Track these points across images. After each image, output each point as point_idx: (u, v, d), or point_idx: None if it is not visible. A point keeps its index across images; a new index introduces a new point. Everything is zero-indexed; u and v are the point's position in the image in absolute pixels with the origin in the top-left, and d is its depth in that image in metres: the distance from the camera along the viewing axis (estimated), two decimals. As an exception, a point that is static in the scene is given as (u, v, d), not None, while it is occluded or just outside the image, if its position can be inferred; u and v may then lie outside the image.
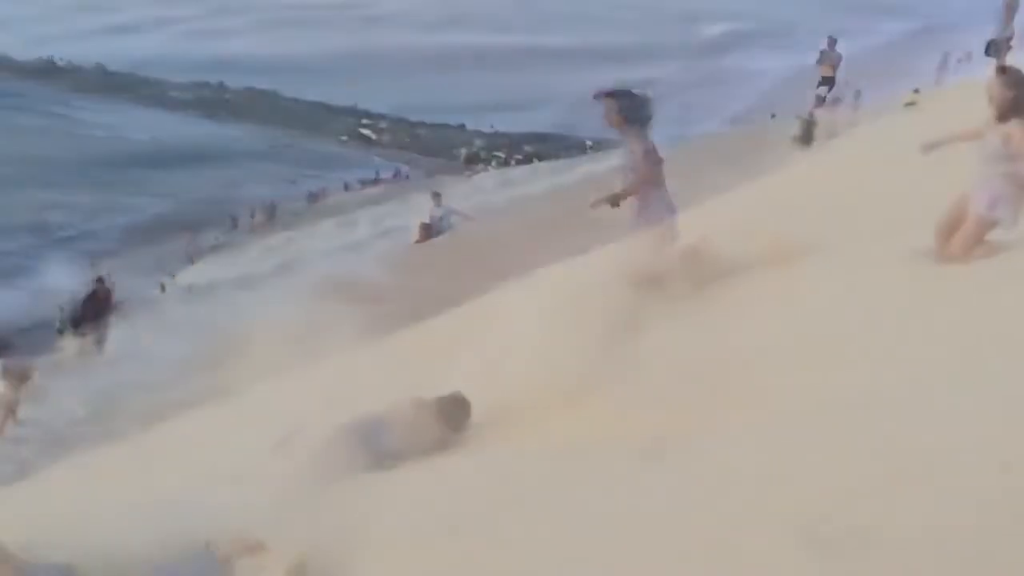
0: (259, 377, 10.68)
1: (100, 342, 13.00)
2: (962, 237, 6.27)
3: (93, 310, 12.98)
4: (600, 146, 23.20)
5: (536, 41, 32.38)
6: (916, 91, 20.82)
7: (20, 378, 11.09)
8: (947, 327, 5.75)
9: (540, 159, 21.85)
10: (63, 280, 15.17)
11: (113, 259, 16.33)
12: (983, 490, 3.50)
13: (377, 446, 6.16)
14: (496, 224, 18.18)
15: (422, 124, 47.11)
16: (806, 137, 21.62)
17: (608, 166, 21.68)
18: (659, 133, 23.86)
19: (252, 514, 5.50)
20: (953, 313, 5.97)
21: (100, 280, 13.33)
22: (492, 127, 38.19)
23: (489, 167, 20.54)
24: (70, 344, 13.05)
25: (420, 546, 4.79)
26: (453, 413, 6.57)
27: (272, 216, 18.16)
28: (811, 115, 22.05)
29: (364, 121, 48.94)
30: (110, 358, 12.98)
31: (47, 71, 24.51)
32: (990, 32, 18.10)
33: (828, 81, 24.37)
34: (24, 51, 25.96)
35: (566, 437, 6.30)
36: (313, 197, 18.86)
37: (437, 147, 40.38)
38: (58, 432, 11.09)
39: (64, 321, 13.02)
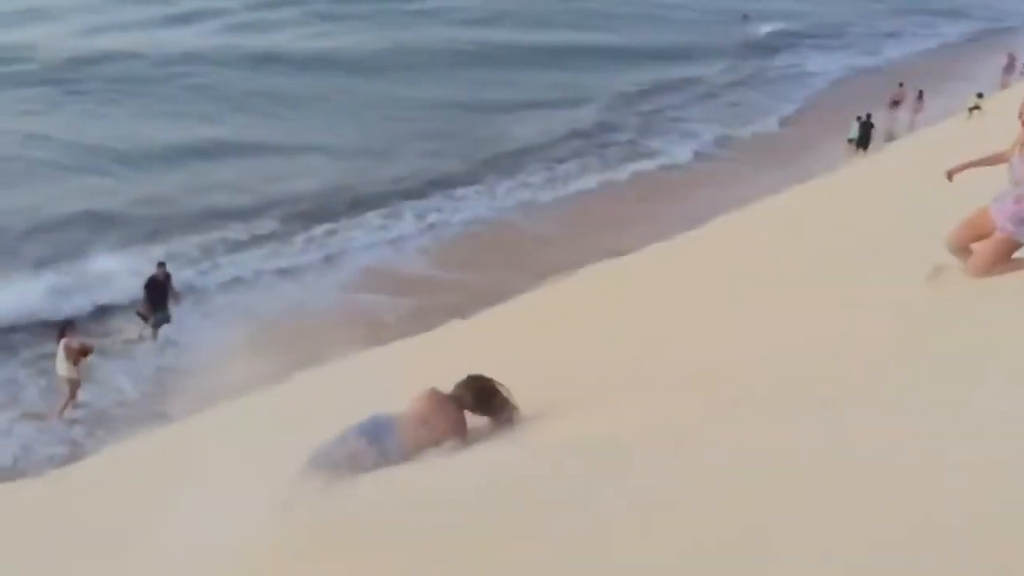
0: (305, 365, 10.96)
1: (158, 326, 13.28)
2: (985, 255, 6.02)
3: (153, 295, 13.32)
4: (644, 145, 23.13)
5: (577, 39, 32.25)
6: (980, 95, 20.43)
7: (81, 354, 11.43)
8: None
9: (585, 156, 21.81)
10: (113, 266, 15.59)
11: (159, 246, 16.65)
12: None
13: (384, 444, 5.83)
14: (543, 221, 18.27)
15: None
16: (863, 140, 21.39)
17: (660, 164, 21.68)
18: (705, 133, 23.97)
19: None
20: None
21: (161, 265, 13.64)
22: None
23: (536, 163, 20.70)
24: (130, 329, 13.40)
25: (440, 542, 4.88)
26: (476, 397, 6.09)
27: (317, 207, 18.38)
28: (868, 117, 21.80)
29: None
30: (158, 344, 13.31)
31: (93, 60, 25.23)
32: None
33: None
34: (64, 43, 26.51)
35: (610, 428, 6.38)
36: (357, 188, 19.11)
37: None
38: (107, 414, 11.42)
39: (143, 305, 13.24)
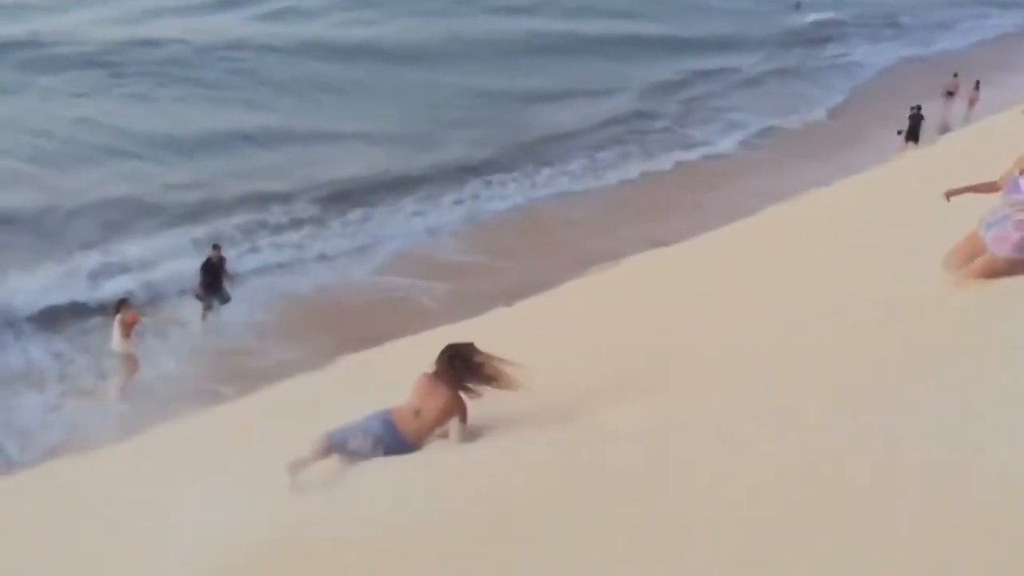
0: (348, 348, 11.17)
1: (209, 308, 13.59)
2: (980, 271, 6.16)
3: (208, 278, 13.60)
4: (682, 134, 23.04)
5: (623, 28, 32.06)
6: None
7: (131, 324, 11.76)
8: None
9: (627, 145, 21.80)
10: (156, 248, 15.98)
11: (201, 228, 17.02)
12: None
13: (388, 442, 6.05)
14: (583, 210, 18.31)
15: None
16: (912, 132, 21.09)
17: (703, 153, 21.59)
18: (751, 123, 23.73)
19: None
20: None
21: (216, 248, 13.95)
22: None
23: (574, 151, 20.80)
24: (180, 310, 13.76)
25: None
26: (456, 366, 6.12)
27: (357, 192, 18.64)
28: (918, 109, 21.48)
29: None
30: (208, 325, 13.62)
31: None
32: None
33: None
34: (110, 28, 26.96)
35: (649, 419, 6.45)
36: (397, 174, 19.34)
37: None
38: (155, 393, 11.72)
39: (199, 287, 13.62)
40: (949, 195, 6.52)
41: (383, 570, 4.83)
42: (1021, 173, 6.08)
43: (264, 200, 18.32)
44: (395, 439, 6.15)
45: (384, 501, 5.96)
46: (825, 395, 5.94)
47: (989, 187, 6.27)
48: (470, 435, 6.40)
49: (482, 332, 10.48)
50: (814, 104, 26.06)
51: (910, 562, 3.47)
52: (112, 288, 14.54)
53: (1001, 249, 6.00)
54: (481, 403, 7.36)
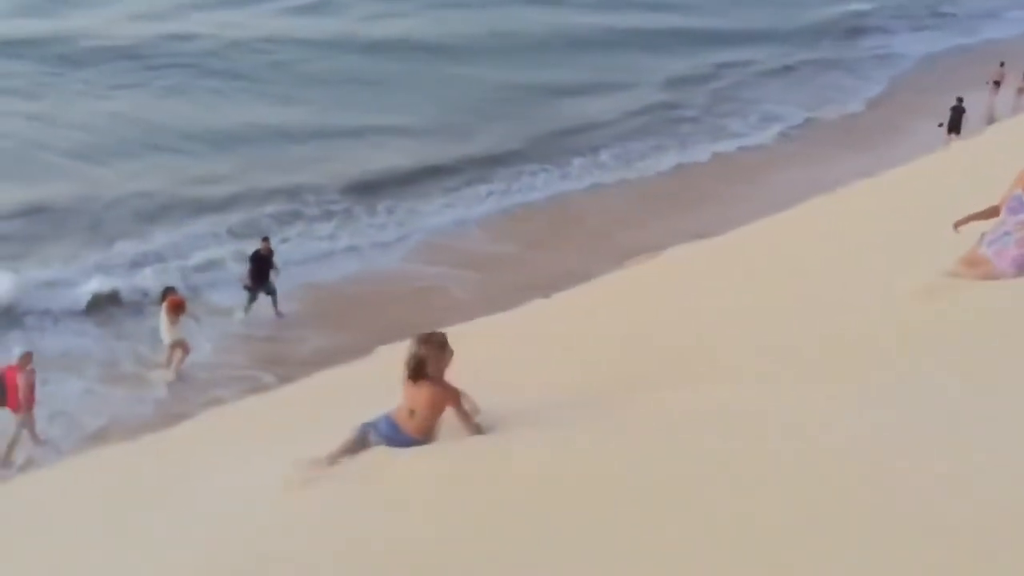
0: (384, 339, 11.30)
1: (253, 300, 13.90)
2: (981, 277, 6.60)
3: (257, 269, 13.85)
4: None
5: (661, 20, 31.88)
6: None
7: (178, 310, 12.02)
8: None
9: (663, 137, 21.78)
10: (192, 239, 16.29)
11: (236, 218, 17.30)
12: None
13: (398, 443, 6.26)
14: (618, 201, 18.32)
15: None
16: (953, 124, 20.84)
17: (740, 145, 21.50)
18: (788, 114, 23.49)
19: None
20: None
21: (265, 240, 14.23)
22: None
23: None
24: (222, 300, 14.05)
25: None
26: (424, 356, 6.18)
27: (390, 184, 18.82)
28: (960, 101, 21.22)
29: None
30: (249, 315, 13.86)
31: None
32: None
33: None
34: (147, 24, 27.34)
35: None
36: (431, 167, 19.51)
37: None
38: (198, 380, 11.98)
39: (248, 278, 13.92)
40: (957, 226, 6.96)
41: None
42: None
43: (298, 192, 18.58)
44: (402, 438, 6.37)
45: (432, 491, 6.10)
46: (872, 386, 5.98)
47: (992, 211, 6.67)
48: (476, 427, 6.58)
49: (521, 323, 10.60)
50: (853, 95, 25.81)
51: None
52: (149, 277, 14.88)
53: (1001, 263, 6.44)
54: (519, 395, 7.49)
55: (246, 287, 13.89)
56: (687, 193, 18.33)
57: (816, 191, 15.64)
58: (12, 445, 10.39)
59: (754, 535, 4.36)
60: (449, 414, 6.58)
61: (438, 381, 6.37)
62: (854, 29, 33.91)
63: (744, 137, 22.30)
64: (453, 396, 6.46)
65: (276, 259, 14.16)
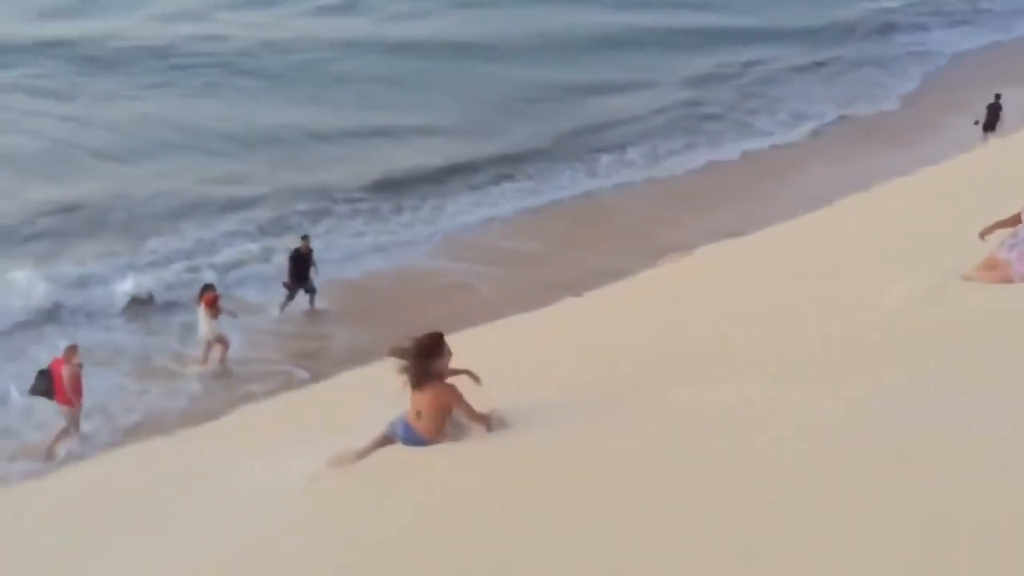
0: (404, 337, 11.37)
1: (292, 298, 14.07)
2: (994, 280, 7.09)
3: (297, 268, 14.00)
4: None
5: (694, 20, 31.64)
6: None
7: (214, 306, 12.21)
8: None
9: (693, 135, 21.71)
10: (223, 237, 16.48)
11: (264, 218, 17.48)
12: None
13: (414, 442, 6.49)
14: (646, 198, 18.28)
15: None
16: (989, 122, 20.55)
17: (771, 143, 21.38)
18: (820, 111, 23.23)
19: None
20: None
21: (305, 238, 14.40)
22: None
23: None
24: (254, 296, 14.22)
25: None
26: (420, 356, 6.33)
27: (420, 182, 18.92)
28: (997, 98, 20.92)
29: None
30: (282, 313, 14.01)
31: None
32: None
33: None
34: (178, 26, 27.66)
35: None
36: (456, 164, 19.62)
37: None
38: (234, 376, 12.14)
39: (288, 277, 14.07)
40: (983, 235, 7.44)
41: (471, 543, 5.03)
42: None
43: (326, 190, 18.73)
44: (415, 438, 6.61)
45: (457, 482, 6.19)
46: (888, 386, 5.99)
47: (1015, 219, 7.15)
48: (484, 420, 6.77)
49: (554, 322, 10.64)
50: (886, 92, 25.53)
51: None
52: (181, 274, 15.10)
53: (1020, 266, 6.89)
54: (543, 393, 7.58)
55: (285, 285, 14.06)
56: (717, 191, 18.24)
57: (849, 189, 15.53)
58: (58, 438, 10.59)
59: (761, 534, 4.39)
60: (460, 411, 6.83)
61: (438, 383, 6.61)
62: (887, 25, 33.55)
63: (775, 135, 22.14)
64: (454, 396, 6.68)
65: (315, 257, 14.29)
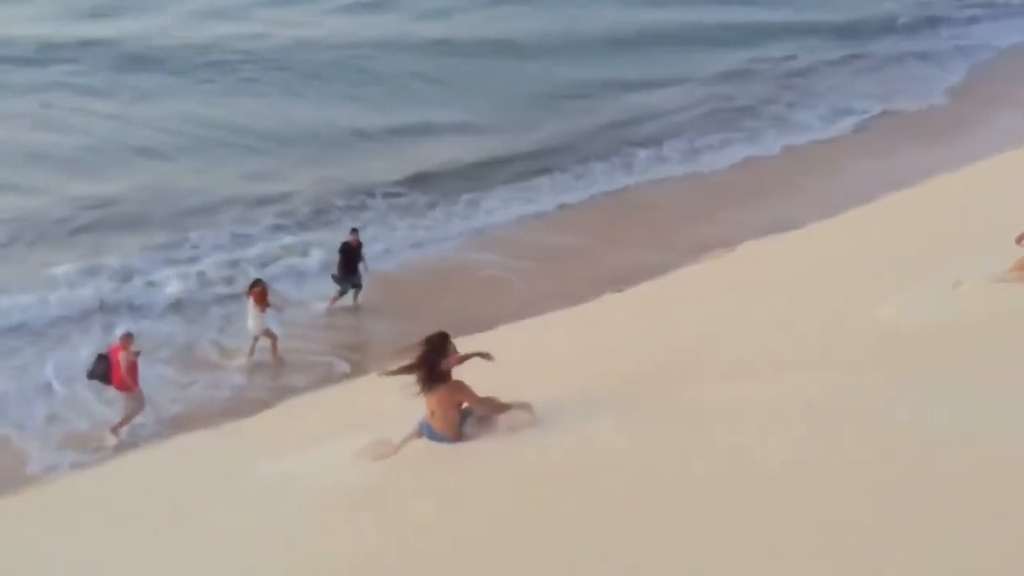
0: (456, 331, 11.44)
1: (344, 292, 14.19)
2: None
3: (347, 261, 14.14)
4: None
5: (735, 16, 31.20)
6: None
7: (263, 300, 12.39)
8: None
9: (733, 130, 21.52)
10: (264, 233, 16.71)
11: (303, 213, 17.68)
12: None
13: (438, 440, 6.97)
14: (685, 194, 18.15)
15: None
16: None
17: (812, 138, 21.14)
18: (865, 107, 22.80)
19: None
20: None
21: (354, 232, 14.55)
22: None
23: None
24: (295, 290, 14.42)
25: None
26: (430, 356, 6.86)
27: (457, 179, 19.01)
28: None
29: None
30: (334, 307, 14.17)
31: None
32: None
33: None
34: (224, 26, 27.98)
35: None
36: (493, 160, 19.68)
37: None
38: (280, 370, 12.32)
39: (338, 269, 14.21)
40: (1019, 241, 7.72)
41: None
42: None
43: (364, 186, 18.87)
44: (436, 435, 7.06)
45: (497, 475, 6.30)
46: (920, 379, 5.97)
47: None
48: (500, 408, 7.04)
49: (594, 317, 10.65)
50: (931, 86, 25.07)
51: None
52: (222, 267, 15.35)
53: None
54: (575, 390, 7.66)
55: (334, 278, 14.22)
56: (757, 187, 18.06)
57: (893, 185, 15.33)
58: (123, 421, 10.90)
59: (772, 529, 4.40)
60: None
61: (446, 382, 6.90)
62: (931, 18, 32.97)
63: (816, 130, 21.84)
64: (462, 392, 6.97)
65: (365, 252, 14.42)
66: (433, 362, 7.05)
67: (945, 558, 3.72)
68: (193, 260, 15.71)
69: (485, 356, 7.30)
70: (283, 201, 18.14)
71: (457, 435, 7.06)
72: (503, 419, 7.10)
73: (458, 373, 7.21)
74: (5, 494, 9.40)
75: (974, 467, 4.58)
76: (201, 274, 15.17)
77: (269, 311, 12.54)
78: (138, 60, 26.26)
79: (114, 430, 10.83)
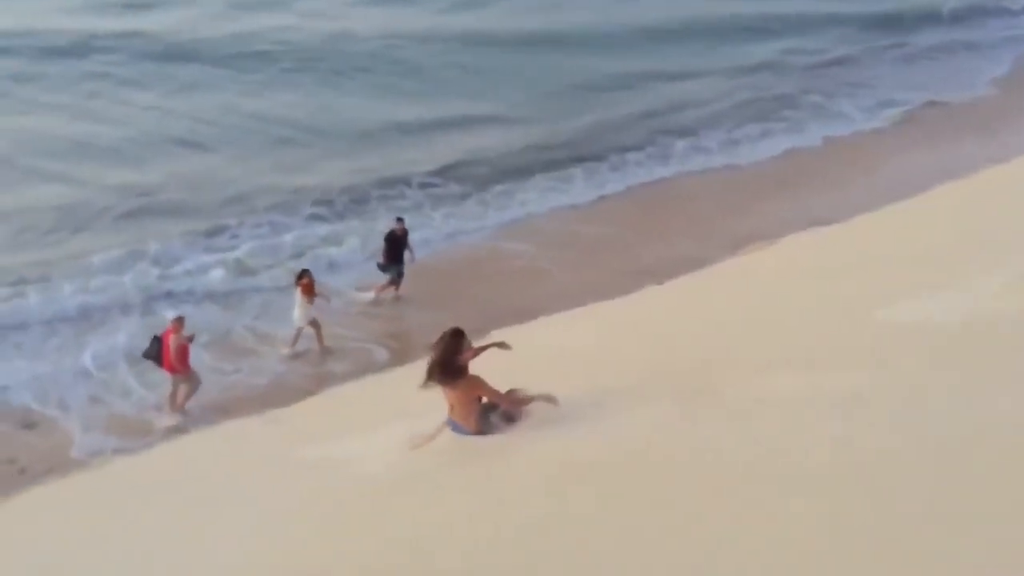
0: (487, 322, 11.49)
1: (394, 282, 14.30)
2: None
3: (392, 249, 14.25)
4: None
5: (778, 8, 30.85)
6: None
7: (311, 292, 12.57)
8: None
9: (774, 122, 21.31)
10: (305, 224, 16.88)
11: (341, 203, 17.84)
12: None
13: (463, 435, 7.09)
14: (725, 186, 17.98)
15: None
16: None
17: (855, 130, 20.87)
18: (908, 98, 22.42)
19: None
20: None
21: (399, 220, 14.64)
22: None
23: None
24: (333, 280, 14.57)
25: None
26: (448, 351, 6.94)
27: (491, 169, 19.05)
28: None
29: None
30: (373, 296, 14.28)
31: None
32: None
33: None
34: (269, 21, 28.28)
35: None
36: (530, 151, 19.69)
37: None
38: (320, 359, 12.46)
39: (383, 257, 14.32)
40: None
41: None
42: None
43: (401, 176, 18.97)
44: (459, 428, 7.18)
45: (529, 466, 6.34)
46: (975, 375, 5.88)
47: None
48: (520, 401, 7.23)
49: (634, 310, 10.61)
50: (977, 77, 24.61)
51: None
52: (257, 255, 15.56)
53: None
54: (609, 381, 7.68)
55: (379, 266, 14.34)
56: (799, 178, 17.87)
57: (938, 177, 15.09)
58: (184, 399, 11.20)
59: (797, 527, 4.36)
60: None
61: (463, 376, 6.98)
62: (977, 9, 32.35)
63: (859, 121, 21.54)
64: (479, 386, 7.06)
65: (411, 240, 14.48)
66: (448, 358, 7.15)
67: (990, 555, 3.69)
68: (232, 248, 15.93)
69: (502, 346, 7.36)
70: (320, 191, 18.30)
71: (478, 428, 7.18)
72: (528, 411, 7.20)
73: (488, 365, 7.25)
74: (53, 478, 9.61)
75: (1018, 462, 4.52)
76: (239, 262, 15.40)
77: (317, 301, 12.67)
78: (177, 52, 26.57)
79: (172, 408, 11.05)
